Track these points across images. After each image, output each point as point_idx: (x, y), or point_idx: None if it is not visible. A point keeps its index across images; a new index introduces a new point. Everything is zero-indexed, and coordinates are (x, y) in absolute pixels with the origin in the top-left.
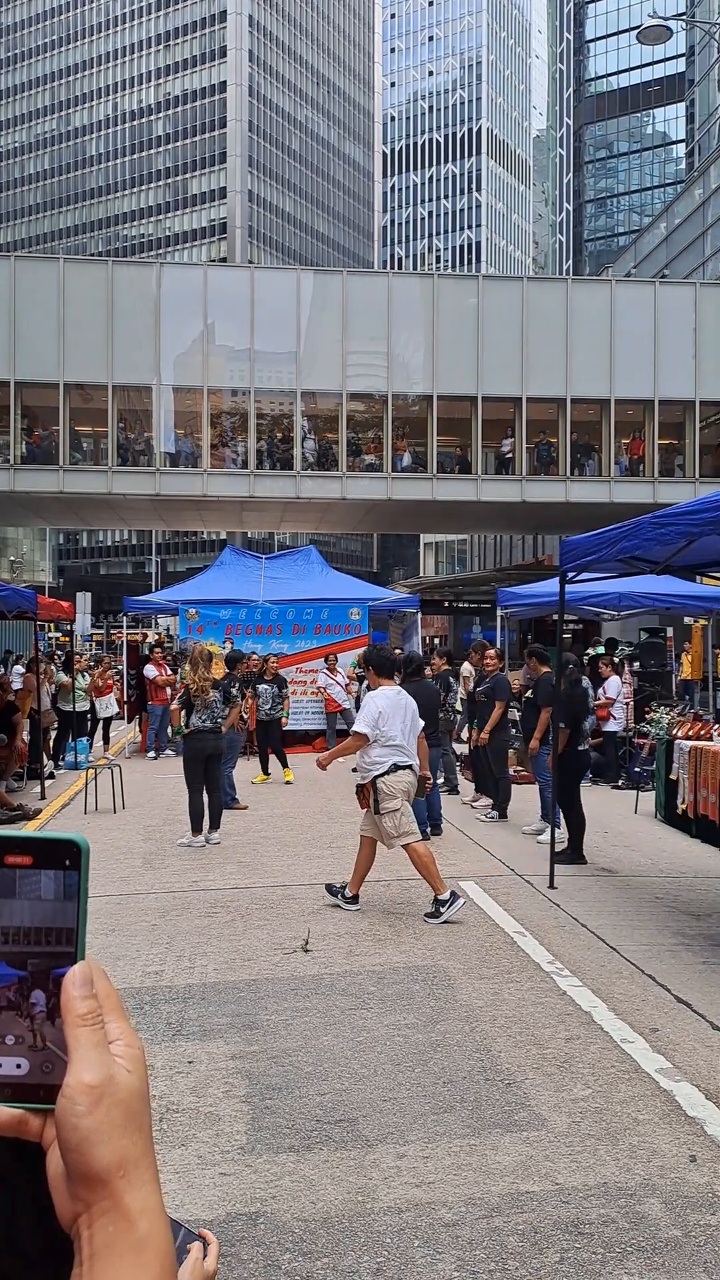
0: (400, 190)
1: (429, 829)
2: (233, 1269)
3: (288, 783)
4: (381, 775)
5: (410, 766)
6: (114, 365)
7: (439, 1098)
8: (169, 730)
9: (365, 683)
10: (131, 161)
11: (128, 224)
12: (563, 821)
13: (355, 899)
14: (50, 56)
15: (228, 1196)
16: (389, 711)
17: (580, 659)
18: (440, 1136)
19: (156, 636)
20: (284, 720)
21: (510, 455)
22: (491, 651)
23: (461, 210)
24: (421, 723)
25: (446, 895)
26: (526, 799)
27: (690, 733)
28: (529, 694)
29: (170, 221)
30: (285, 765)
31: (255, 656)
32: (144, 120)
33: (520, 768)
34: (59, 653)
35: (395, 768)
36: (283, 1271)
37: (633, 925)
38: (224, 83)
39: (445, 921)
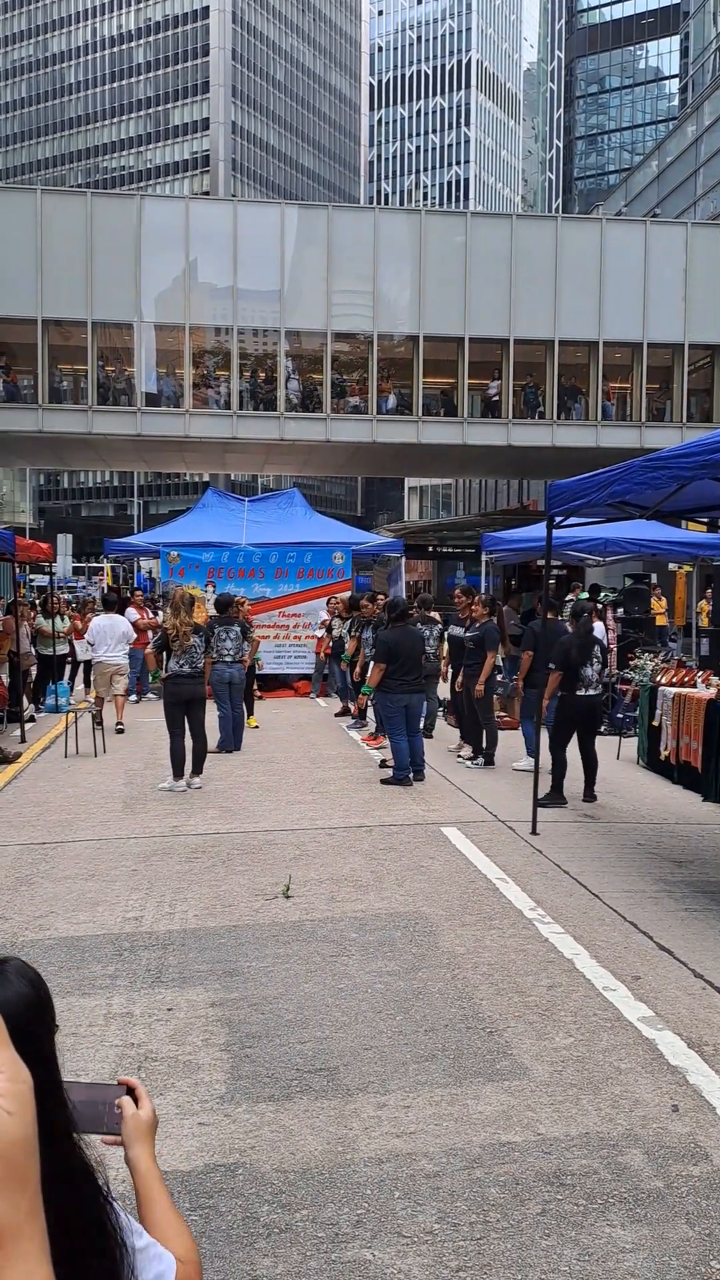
0: (387, 124)
1: (412, 774)
2: (210, 1221)
3: (253, 727)
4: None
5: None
6: (93, 301)
7: (420, 1046)
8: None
9: (349, 624)
10: (111, 90)
11: (108, 155)
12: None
13: None
14: None
15: (206, 1147)
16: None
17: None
18: (421, 1086)
19: (112, 584)
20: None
21: (496, 398)
22: (479, 599)
23: (450, 145)
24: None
25: None
26: (513, 744)
27: (674, 679)
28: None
29: (151, 153)
30: (250, 712)
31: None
32: (124, 47)
33: (504, 713)
34: (36, 597)
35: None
36: (261, 1224)
37: (614, 872)
38: (206, 8)
39: None
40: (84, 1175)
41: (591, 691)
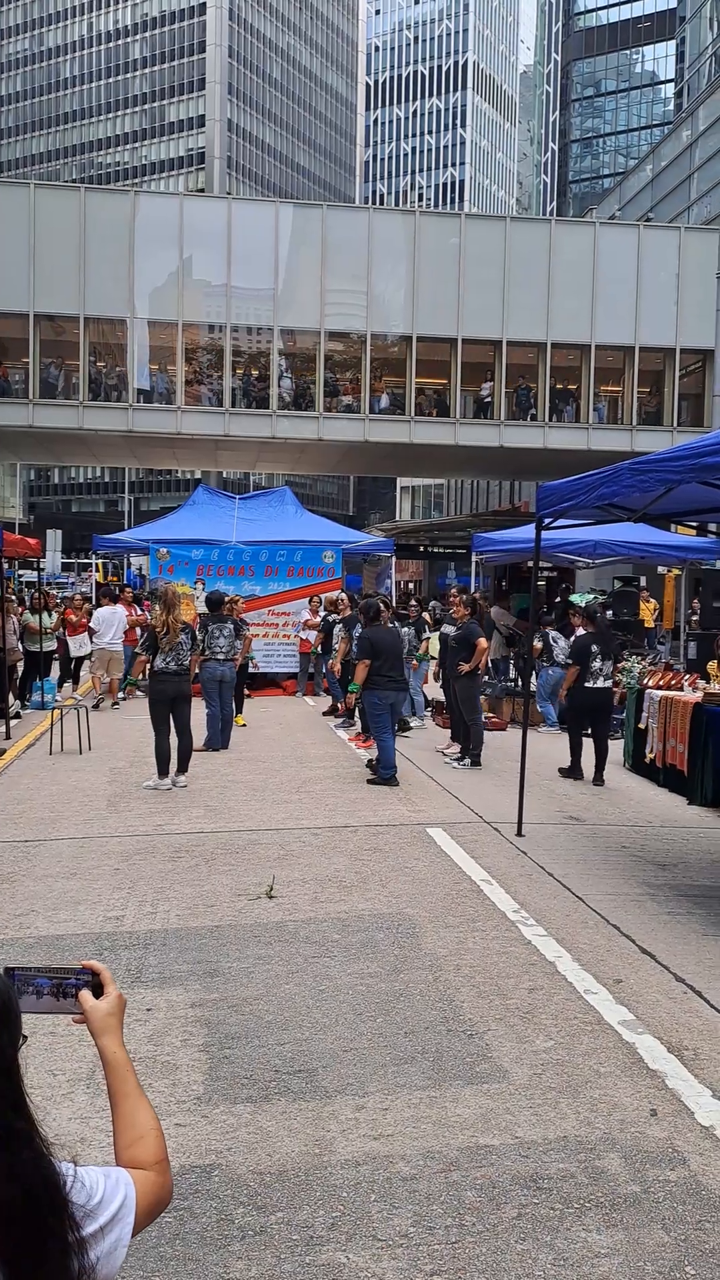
0: (383, 124)
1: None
2: (185, 1223)
3: (240, 725)
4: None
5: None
6: (86, 296)
7: (400, 1048)
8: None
9: (336, 621)
10: (107, 85)
11: (103, 151)
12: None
13: None
14: None
15: (183, 1148)
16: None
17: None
18: (400, 1088)
19: (111, 579)
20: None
21: (489, 399)
22: (460, 599)
23: (446, 147)
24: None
25: None
26: (499, 744)
27: (661, 683)
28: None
29: (147, 150)
30: (238, 710)
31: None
32: (120, 42)
33: (492, 714)
34: (30, 592)
35: None
36: (236, 1226)
37: (599, 874)
38: (203, 4)
39: None
40: (46, 1188)
41: (600, 683)
